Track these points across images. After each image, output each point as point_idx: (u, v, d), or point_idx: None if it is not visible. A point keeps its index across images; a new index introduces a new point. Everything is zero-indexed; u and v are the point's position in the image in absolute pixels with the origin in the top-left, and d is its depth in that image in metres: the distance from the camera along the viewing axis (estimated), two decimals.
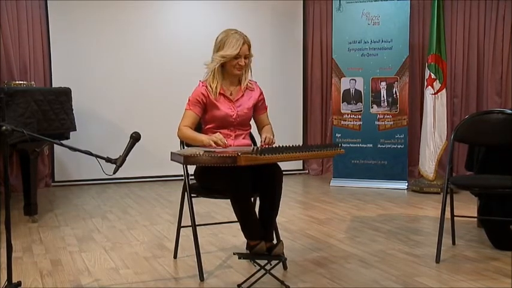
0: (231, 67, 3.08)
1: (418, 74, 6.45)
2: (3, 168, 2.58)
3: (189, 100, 3.13)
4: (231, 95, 3.15)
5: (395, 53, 5.88)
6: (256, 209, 2.98)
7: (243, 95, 3.17)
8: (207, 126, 3.15)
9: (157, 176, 6.37)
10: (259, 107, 3.24)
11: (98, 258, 3.41)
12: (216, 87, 3.10)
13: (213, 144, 2.90)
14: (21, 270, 3.16)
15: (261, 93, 3.25)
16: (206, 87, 3.12)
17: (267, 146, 2.99)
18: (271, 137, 3.08)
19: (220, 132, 3.03)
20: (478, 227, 4.05)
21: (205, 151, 2.74)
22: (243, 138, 3.17)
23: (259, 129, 3.27)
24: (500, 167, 3.54)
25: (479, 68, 6.28)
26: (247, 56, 3.10)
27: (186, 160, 2.71)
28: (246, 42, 3.08)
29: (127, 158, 2.69)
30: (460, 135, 3.51)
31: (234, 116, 3.12)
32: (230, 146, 3.04)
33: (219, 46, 3.08)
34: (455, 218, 3.59)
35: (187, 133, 3.06)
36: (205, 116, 3.15)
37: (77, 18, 6.07)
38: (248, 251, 2.89)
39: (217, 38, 3.12)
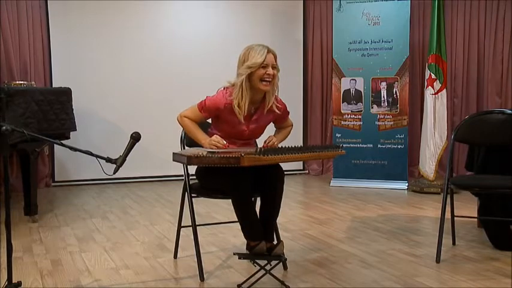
0: (258, 80, 2.89)
1: (418, 74, 6.45)
2: (3, 168, 2.58)
3: (205, 102, 2.97)
4: (252, 112, 3.01)
5: (396, 53, 5.88)
6: (257, 209, 2.98)
7: (262, 113, 3.04)
8: (215, 131, 3.07)
9: (158, 176, 6.38)
10: (278, 120, 3.18)
11: (98, 258, 3.41)
12: (244, 107, 2.90)
13: (214, 148, 2.87)
14: (21, 270, 3.16)
15: (285, 110, 3.15)
16: (232, 106, 2.92)
17: (267, 146, 2.98)
18: (275, 139, 3.03)
19: (227, 141, 2.93)
20: (478, 227, 4.05)
21: (208, 151, 2.74)
22: (248, 144, 3.14)
23: None
24: (500, 167, 3.53)
25: (480, 68, 6.29)
26: (275, 66, 2.93)
27: (190, 161, 2.70)
28: (271, 52, 2.93)
29: (127, 158, 2.68)
30: (460, 135, 3.51)
31: (246, 132, 3.04)
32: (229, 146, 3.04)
33: (243, 60, 2.92)
34: (455, 218, 3.59)
35: (189, 125, 2.99)
36: (216, 121, 3.05)
37: (77, 19, 6.07)
38: (248, 251, 2.88)
39: (240, 54, 2.96)
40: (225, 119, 2.99)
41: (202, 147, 2.93)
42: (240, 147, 3.01)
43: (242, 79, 2.88)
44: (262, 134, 3.15)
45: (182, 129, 3.17)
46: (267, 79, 2.91)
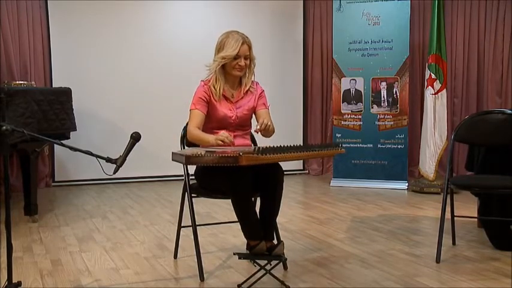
0: (231, 68, 3.07)
1: (418, 74, 6.45)
2: (3, 168, 2.58)
3: (193, 100, 3.12)
4: (232, 96, 3.14)
5: (396, 53, 5.88)
6: (257, 209, 2.98)
7: (243, 97, 3.16)
8: (207, 126, 3.14)
9: (157, 176, 6.38)
10: (257, 104, 3.21)
11: (98, 258, 3.41)
12: (219, 89, 3.09)
13: (221, 143, 2.88)
14: (21, 270, 3.16)
15: (262, 91, 3.23)
16: (209, 87, 3.11)
17: (262, 131, 2.97)
18: (268, 122, 2.99)
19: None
20: (478, 227, 4.05)
21: (206, 151, 2.74)
22: (243, 138, 3.17)
23: None
24: (500, 167, 3.54)
25: (480, 68, 6.29)
26: (248, 57, 3.08)
27: (188, 160, 2.70)
28: (246, 43, 3.07)
29: (127, 158, 2.68)
30: (460, 135, 3.52)
31: (233, 118, 3.11)
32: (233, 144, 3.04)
33: (219, 47, 3.09)
34: (455, 218, 3.59)
35: (196, 134, 3.03)
36: (208, 116, 3.12)
37: (77, 19, 6.07)
38: (248, 251, 2.89)
39: (218, 39, 3.13)
40: (212, 104, 3.10)
41: (211, 147, 2.93)
42: (238, 147, 3.01)
43: (216, 66, 3.08)
44: (249, 120, 3.19)
45: (182, 129, 3.22)
46: (238, 69, 3.07)
